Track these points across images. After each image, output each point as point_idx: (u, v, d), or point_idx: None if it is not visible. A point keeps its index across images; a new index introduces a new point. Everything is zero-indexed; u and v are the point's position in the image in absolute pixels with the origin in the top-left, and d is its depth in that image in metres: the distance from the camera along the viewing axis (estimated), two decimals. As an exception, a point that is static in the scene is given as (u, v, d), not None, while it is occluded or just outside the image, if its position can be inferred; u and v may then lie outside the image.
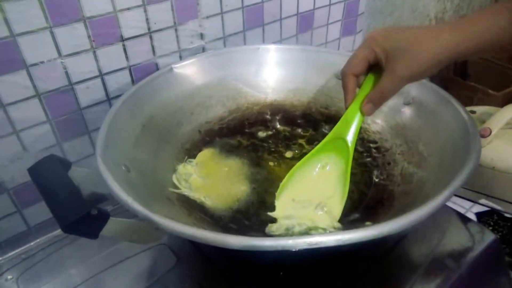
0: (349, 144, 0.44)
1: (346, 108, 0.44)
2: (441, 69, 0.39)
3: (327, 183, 0.45)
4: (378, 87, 0.41)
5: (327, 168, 0.46)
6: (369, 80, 0.43)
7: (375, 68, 0.42)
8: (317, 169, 0.46)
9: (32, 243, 0.51)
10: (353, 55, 0.42)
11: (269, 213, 0.43)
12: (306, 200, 0.44)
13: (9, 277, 0.47)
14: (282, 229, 0.40)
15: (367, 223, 0.42)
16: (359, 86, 0.44)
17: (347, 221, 0.43)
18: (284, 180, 0.45)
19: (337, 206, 0.43)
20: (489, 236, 0.50)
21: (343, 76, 0.43)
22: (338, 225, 0.41)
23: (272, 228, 0.41)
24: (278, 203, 0.44)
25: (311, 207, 0.43)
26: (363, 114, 0.43)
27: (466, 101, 1.11)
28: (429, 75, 0.40)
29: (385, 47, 0.39)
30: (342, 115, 0.45)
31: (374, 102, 0.42)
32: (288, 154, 0.55)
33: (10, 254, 0.50)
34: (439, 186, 0.36)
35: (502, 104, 0.93)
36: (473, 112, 0.96)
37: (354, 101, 0.43)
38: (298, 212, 0.43)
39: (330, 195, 0.44)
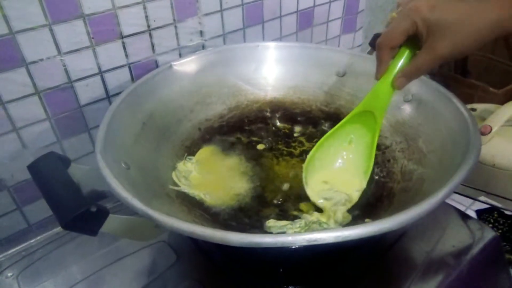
0: (378, 118, 0.44)
1: (377, 79, 0.43)
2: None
3: (353, 162, 0.46)
4: (415, 62, 0.40)
5: (353, 140, 0.47)
6: (403, 52, 0.41)
7: (411, 39, 0.40)
8: (344, 142, 0.47)
9: (32, 241, 0.52)
10: (393, 25, 0.40)
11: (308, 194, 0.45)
12: (334, 190, 0.45)
13: (10, 274, 0.48)
14: (279, 225, 0.41)
15: (367, 220, 0.42)
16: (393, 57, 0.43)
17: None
18: (312, 152, 0.46)
19: (357, 196, 0.45)
20: (489, 233, 0.50)
21: (379, 47, 0.41)
22: (348, 218, 0.42)
23: (270, 223, 0.41)
24: (310, 183, 0.45)
25: (337, 198, 0.44)
26: (395, 87, 0.42)
27: (467, 99, 1.10)
28: (468, 54, 0.39)
29: (428, 21, 0.37)
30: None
31: (408, 77, 0.41)
32: (288, 151, 0.55)
33: (10, 251, 0.50)
34: (439, 183, 0.36)
35: (503, 101, 0.93)
36: (473, 109, 0.96)
37: (386, 74, 0.42)
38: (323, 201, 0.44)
39: (357, 187, 0.45)
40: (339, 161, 0.47)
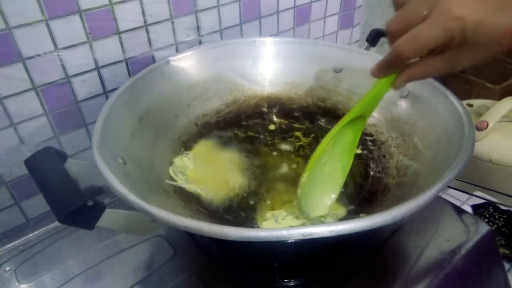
0: (366, 118, 0.42)
1: (378, 78, 0.38)
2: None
3: (333, 160, 0.44)
4: (425, 66, 0.35)
5: (335, 140, 0.43)
6: None
7: None
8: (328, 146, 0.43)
9: (30, 235, 0.52)
10: (423, 31, 0.32)
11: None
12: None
13: (8, 268, 0.48)
14: (272, 221, 0.41)
15: (361, 215, 0.42)
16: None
17: (342, 213, 0.43)
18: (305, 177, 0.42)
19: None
20: (484, 228, 0.50)
21: (400, 56, 0.34)
22: (343, 212, 0.42)
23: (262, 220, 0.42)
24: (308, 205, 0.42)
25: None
26: (394, 87, 0.38)
27: (464, 95, 1.11)
28: None
29: (467, 37, 0.31)
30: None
31: (412, 79, 0.36)
32: (285, 146, 0.55)
33: (8, 246, 0.51)
34: (433, 179, 0.36)
35: (499, 97, 0.93)
36: (470, 105, 0.96)
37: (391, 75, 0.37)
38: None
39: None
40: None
